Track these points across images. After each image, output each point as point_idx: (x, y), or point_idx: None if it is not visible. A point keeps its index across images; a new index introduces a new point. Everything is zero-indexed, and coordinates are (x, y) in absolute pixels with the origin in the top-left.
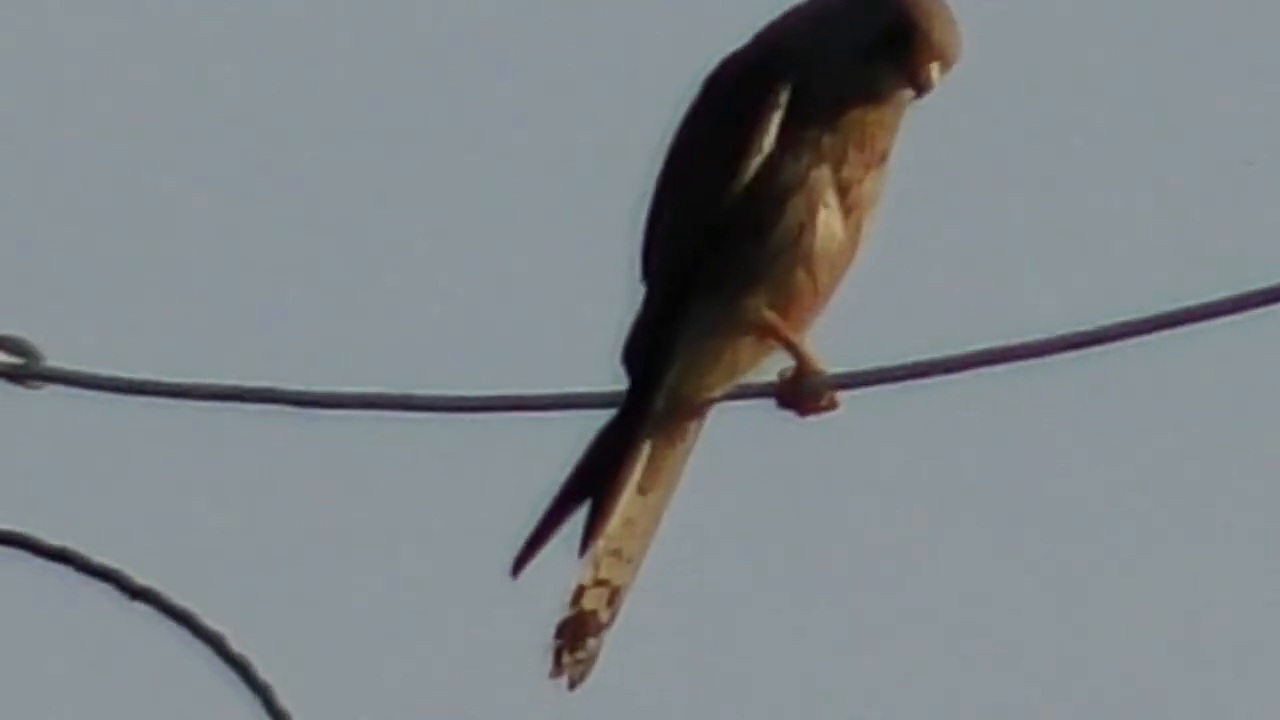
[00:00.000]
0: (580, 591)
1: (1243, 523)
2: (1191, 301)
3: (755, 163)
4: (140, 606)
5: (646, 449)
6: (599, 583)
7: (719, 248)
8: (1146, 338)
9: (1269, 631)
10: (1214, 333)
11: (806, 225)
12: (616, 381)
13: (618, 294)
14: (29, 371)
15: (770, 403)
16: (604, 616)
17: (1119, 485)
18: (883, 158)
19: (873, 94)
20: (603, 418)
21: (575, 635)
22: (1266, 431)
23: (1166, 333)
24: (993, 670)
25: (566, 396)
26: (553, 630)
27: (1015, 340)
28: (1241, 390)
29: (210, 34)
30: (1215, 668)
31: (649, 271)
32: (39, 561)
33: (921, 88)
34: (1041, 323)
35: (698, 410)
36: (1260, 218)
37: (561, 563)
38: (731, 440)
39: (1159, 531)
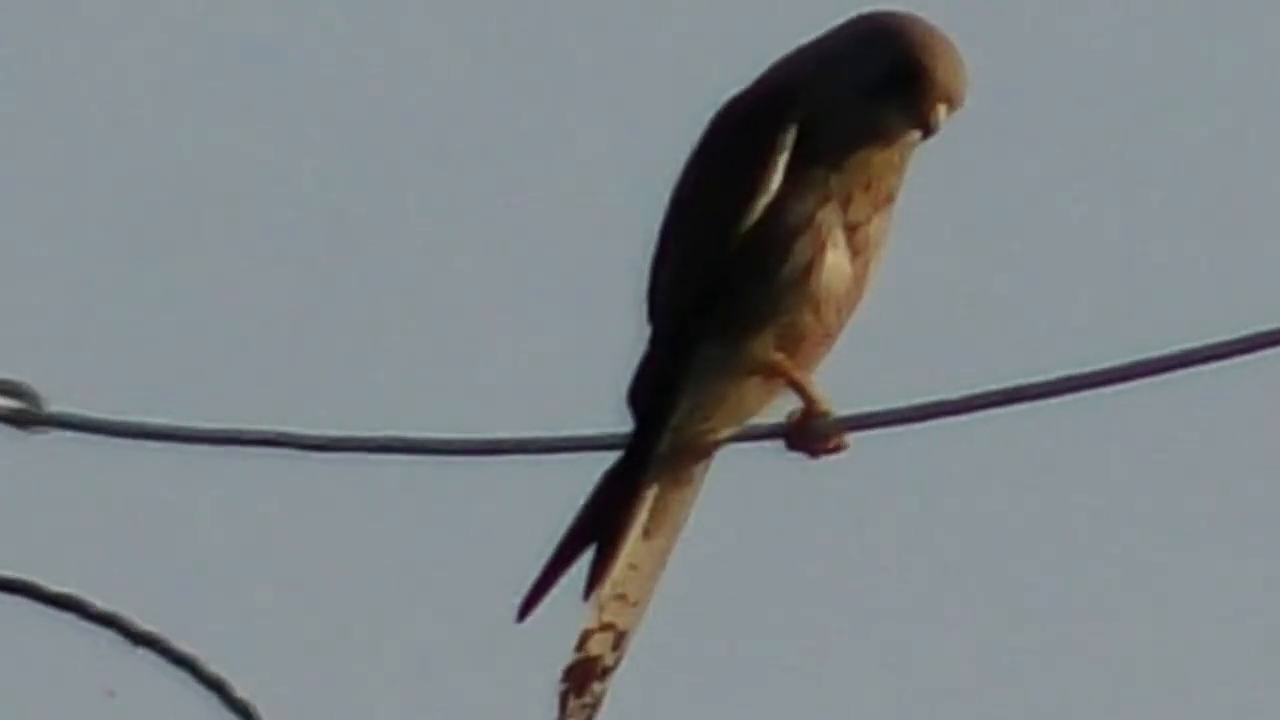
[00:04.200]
0: (586, 636)
1: (1262, 567)
2: (1201, 342)
3: (762, 203)
4: (143, 652)
5: (652, 492)
6: (604, 627)
7: (726, 288)
8: (1157, 379)
9: None
10: (1225, 373)
11: (814, 265)
12: (622, 423)
13: (624, 335)
14: (31, 417)
15: (779, 444)
16: (609, 661)
17: (1130, 526)
18: (889, 198)
19: (879, 135)
20: (608, 460)
21: (581, 680)
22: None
23: (1178, 373)
24: (1004, 713)
25: (572, 439)
26: (559, 675)
27: (1024, 381)
28: (1256, 432)
29: (209, 80)
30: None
31: (655, 312)
32: (41, 608)
33: (928, 129)
34: (1051, 363)
35: (704, 452)
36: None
37: (567, 607)
38: (739, 482)
39: (1171, 570)
